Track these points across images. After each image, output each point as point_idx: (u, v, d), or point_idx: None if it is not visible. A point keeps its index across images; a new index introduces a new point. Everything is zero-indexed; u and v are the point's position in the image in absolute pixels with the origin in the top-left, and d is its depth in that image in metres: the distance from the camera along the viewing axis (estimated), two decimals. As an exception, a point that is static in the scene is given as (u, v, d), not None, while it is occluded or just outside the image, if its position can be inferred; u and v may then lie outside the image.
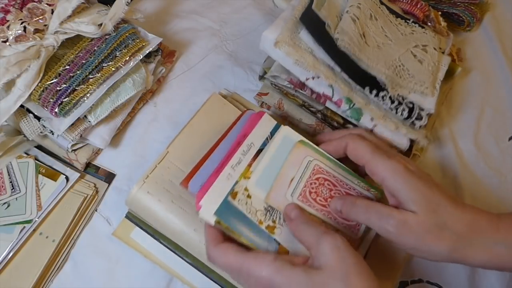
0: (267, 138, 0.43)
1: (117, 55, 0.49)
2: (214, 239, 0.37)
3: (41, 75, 0.45)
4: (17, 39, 0.46)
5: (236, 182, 0.40)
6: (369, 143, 0.40)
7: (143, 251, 0.46)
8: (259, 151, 0.42)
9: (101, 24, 0.48)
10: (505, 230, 0.35)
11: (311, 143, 0.43)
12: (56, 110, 0.45)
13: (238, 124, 0.45)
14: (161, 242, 0.45)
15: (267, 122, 0.45)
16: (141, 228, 0.46)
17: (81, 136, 0.48)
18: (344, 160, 0.44)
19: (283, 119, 0.56)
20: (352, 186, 0.42)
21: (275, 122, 0.45)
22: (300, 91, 0.50)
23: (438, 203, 0.35)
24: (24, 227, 0.45)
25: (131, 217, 0.46)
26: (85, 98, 0.46)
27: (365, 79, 0.47)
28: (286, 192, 0.40)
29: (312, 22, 0.47)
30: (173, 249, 0.45)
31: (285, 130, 0.44)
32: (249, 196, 0.39)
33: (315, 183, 0.41)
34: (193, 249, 0.43)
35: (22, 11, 0.48)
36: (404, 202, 0.36)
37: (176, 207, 0.43)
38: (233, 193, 0.39)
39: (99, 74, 0.47)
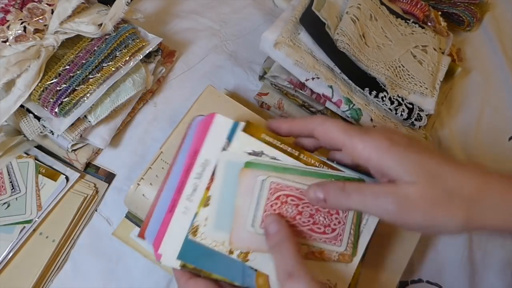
0: (224, 147, 0.35)
1: (117, 55, 0.49)
2: (182, 275, 0.33)
3: (41, 75, 0.45)
4: (17, 39, 0.46)
5: (196, 214, 0.34)
6: (340, 122, 0.34)
7: (142, 250, 0.46)
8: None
9: (101, 24, 0.48)
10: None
11: (258, 160, 0.35)
12: (56, 110, 0.45)
13: (186, 140, 0.37)
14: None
15: (220, 126, 0.36)
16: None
17: (81, 136, 0.48)
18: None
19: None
20: None
21: (231, 122, 0.36)
22: (300, 91, 0.50)
23: (438, 168, 0.30)
24: (24, 227, 0.45)
25: (131, 217, 0.46)
26: (85, 98, 0.46)
27: (364, 80, 0.47)
28: (245, 225, 0.34)
29: (312, 23, 0.47)
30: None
31: (225, 155, 0.35)
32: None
33: (276, 204, 0.34)
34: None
35: (22, 11, 0.48)
36: (398, 177, 0.30)
37: None
38: (193, 229, 0.33)
39: (99, 74, 0.47)
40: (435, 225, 0.30)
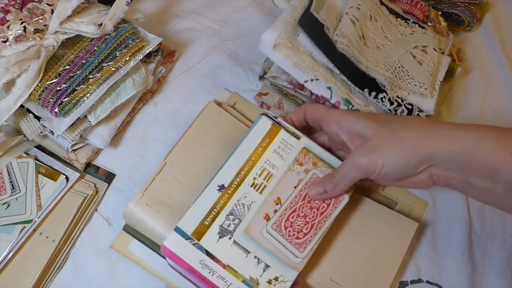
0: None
1: (117, 55, 0.49)
2: None
3: (41, 75, 0.45)
4: (17, 39, 0.46)
5: None
6: (325, 105, 0.44)
7: (141, 263, 0.46)
8: None
9: (101, 24, 0.48)
10: (463, 125, 0.36)
11: (315, 147, 0.43)
12: (56, 110, 0.45)
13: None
14: (160, 254, 0.45)
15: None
16: (139, 240, 0.46)
17: (81, 136, 0.48)
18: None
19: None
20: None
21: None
22: (300, 91, 0.50)
23: (387, 119, 0.40)
24: (24, 227, 0.45)
25: (129, 229, 0.46)
26: (85, 98, 0.46)
27: (364, 81, 0.47)
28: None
29: (310, 24, 0.47)
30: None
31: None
32: None
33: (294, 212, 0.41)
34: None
35: (22, 11, 0.48)
36: (360, 131, 0.39)
37: (175, 219, 0.43)
38: None
39: (99, 74, 0.47)
40: (391, 159, 0.37)
